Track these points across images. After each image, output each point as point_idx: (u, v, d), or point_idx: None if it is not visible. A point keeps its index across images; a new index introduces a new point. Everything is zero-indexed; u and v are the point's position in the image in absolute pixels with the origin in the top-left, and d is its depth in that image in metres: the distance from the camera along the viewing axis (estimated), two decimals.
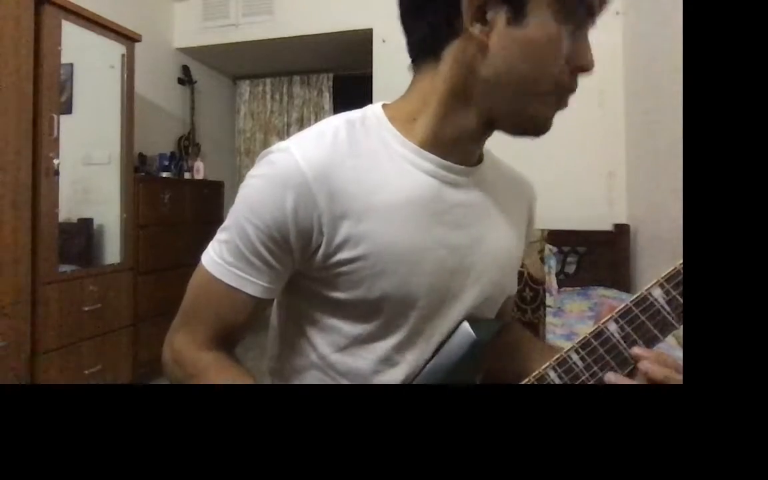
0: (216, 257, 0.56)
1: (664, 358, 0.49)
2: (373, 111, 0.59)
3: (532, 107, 0.54)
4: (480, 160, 0.62)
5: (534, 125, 0.55)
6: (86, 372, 2.27)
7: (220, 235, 0.57)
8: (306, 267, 0.56)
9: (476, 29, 0.51)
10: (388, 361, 0.58)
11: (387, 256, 0.54)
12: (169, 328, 0.61)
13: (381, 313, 0.56)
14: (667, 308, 0.49)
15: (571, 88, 0.54)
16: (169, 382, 0.60)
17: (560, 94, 0.54)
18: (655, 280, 0.50)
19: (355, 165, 0.54)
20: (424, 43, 0.56)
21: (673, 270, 0.49)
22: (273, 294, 0.57)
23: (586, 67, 0.53)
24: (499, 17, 0.50)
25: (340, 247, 0.54)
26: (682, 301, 0.48)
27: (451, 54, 0.54)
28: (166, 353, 0.60)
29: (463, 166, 0.58)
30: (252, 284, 0.55)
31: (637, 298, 0.50)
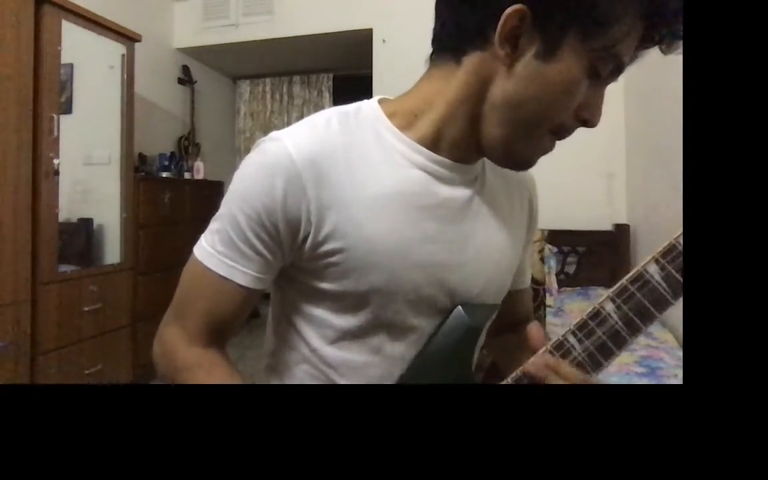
0: (208, 247, 0.56)
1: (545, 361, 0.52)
2: (369, 105, 0.59)
3: (522, 143, 0.54)
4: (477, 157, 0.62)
5: (518, 161, 0.56)
6: (86, 372, 2.26)
7: (213, 225, 0.57)
8: (296, 258, 0.56)
9: (504, 50, 0.49)
10: (379, 355, 0.58)
11: (375, 248, 0.54)
12: (161, 322, 0.61)
13: (370, 305, 0.56)
14: (663, 284, 0.49)
15: (567, 135, 0.54)
16: (158, 375, 0.60)
17: (554, 137, 0.54)
18: (650, 256, 0.50)
19: (346, 156, 0.54)
20: (450, 40, 0.54)
21: (668, 245, 0.49)
22: (263, 284, 0.57)
23: (591, 121, 0.52)
24: (529, 47, 0.49)
25: (328, 238, 0.54)
26: (677, 276, 0.48)
27: (472, 63, 0.52)
28: (156, 346, 0.60)
29: (457, 163, 0.58)
30: (242, 274, 0.55)
31: (632, 275, 0.50)
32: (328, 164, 0.53)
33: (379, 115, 0.58)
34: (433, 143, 0.56)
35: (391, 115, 0.58)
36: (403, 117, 0.57)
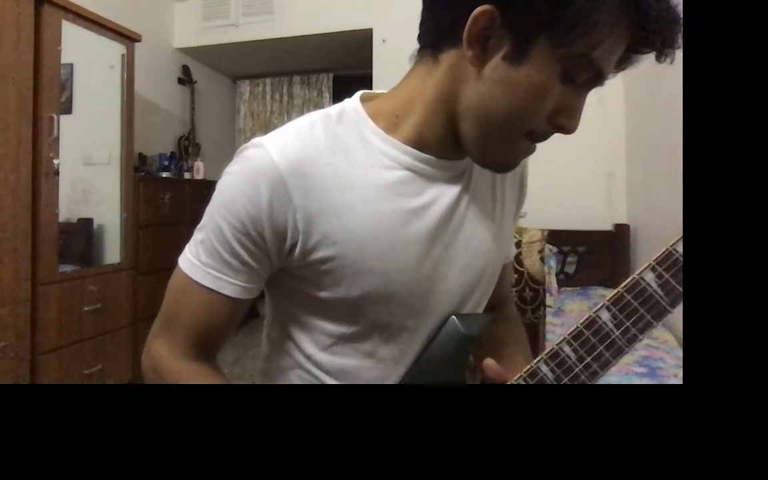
0: (192, 258, 0.55)
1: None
2: (352, 105, 0.58)
3: (497, 146, 0.52)
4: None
5: (495, 163, 0.55)
6: (86, 372, 2.26)
7: (197, 235, 0.56)
8: (286, 265, 0.55)
9: (473, 51, 0.48)
10: (373, 358, 0.58)
11: (366, 253, 0.53)
12: (149, 334, 0.59)
13: (363, 311, 0.55)
14: (660, 292, 0.47)
15: (543, 139, 0.52)
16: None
17: (531, 142, 0.53)
18: (646, 264, 0.48)
19: (331, 161, 0.53)
20: (429, 36, 0.54)
21: (664, 252, 0.47)
22: (251, 294, 0.56)
23: (567, 127, 0.50)
24: (498, 49, 0.47)
25: (317, 246, 0.53)
26: (674, 284, 0.47)
27: (447, 61, 0.52)
28: (145, 361, 0.58)
29: (444, 160, 0.57)
30: (229, 285, 0.54)
31: (628, 283, 0.49)
32: (313, 170, 0.52)
33: (362, 118, 0.56)
34: (417, 143, 0.56)
35: (374, 117, 0.56)
36: (387, 119, 0.56)
